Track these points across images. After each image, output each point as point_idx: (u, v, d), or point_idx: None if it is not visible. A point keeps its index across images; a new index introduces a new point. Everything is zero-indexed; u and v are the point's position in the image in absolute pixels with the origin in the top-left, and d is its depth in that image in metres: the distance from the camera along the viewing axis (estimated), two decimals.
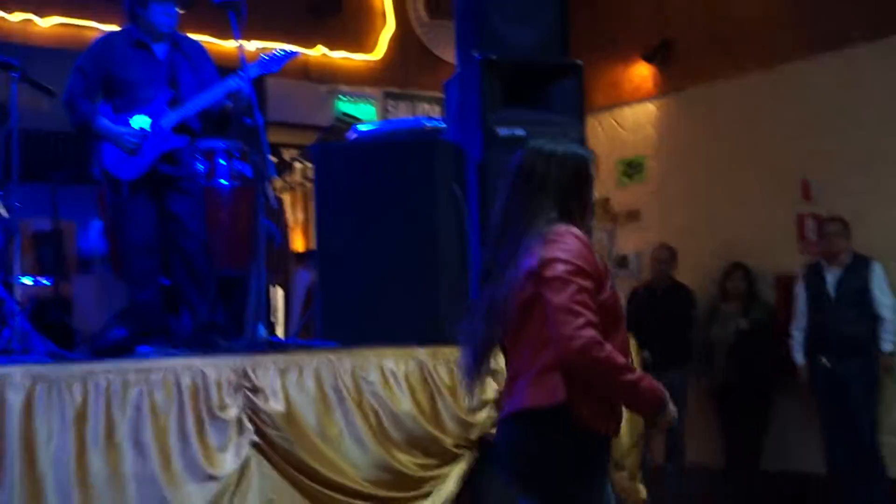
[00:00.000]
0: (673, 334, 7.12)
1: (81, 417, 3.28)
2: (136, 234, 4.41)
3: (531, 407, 2.66)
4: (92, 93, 4.48)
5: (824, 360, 6.45)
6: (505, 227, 2.78)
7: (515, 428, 2.74)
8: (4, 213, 4.58)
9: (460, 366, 2.93)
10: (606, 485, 2.75)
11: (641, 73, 8.40)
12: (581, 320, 2.52)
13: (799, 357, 6.66)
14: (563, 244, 2.63)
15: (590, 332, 2.51)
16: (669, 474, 7.04)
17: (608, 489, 2.75)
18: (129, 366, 3.49)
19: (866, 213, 6.79)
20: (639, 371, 2.64)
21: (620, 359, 2.57)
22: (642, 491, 4.47)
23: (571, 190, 2.77)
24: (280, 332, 5.67)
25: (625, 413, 2.67)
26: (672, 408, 2.65)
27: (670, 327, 7.14)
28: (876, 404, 6.50)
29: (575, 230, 2.70)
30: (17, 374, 3.23)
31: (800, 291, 6.74)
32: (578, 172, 2.81)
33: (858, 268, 6.49)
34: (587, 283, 2.58)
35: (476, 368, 2.86)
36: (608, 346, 2.53)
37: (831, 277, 6.54)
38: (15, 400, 3.17)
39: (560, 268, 2.58)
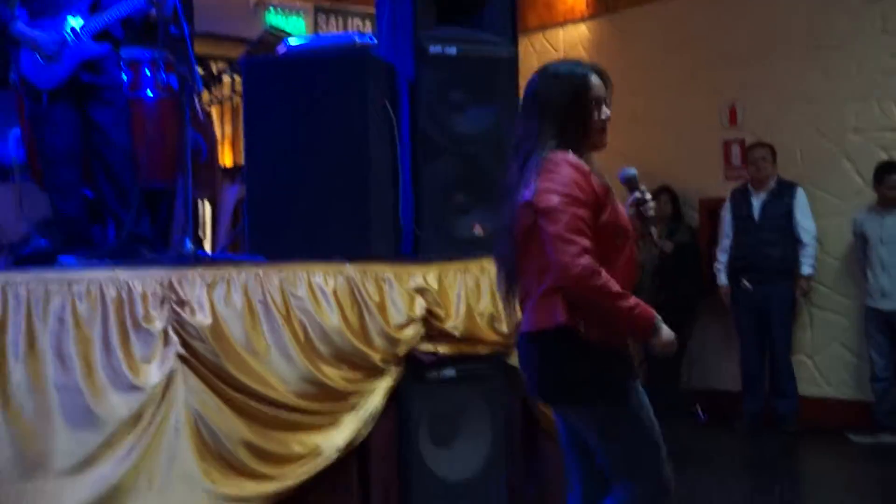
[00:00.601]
0: None
1: (1, 327, 3.23)
2: (58, 144, 4.29)
3: (536, 329, 2.81)
4: None
5: (745, 282, 6.63)
6: (515, 151, 2.87)
7: (528, 346, 2.89)
8: None
9: (498, 287, 3.02)
10: (633, 393, 2.82)
11: None
12: (575, 248, 2.63)
13: (722, 278, 6.83)
14: (557, 174, 2.71)
15: (585, 261, 2.63)
16: None
17: (638, 396, 2.83)
18: (50, 276, 3.42)
19: (792, 140, 6.92)
20: (633, 298, 2.72)
21: (615, 287, 2.67)
22: None
23: (570, 112, 2.80)
24: (207, 246, 5.61)
25: None
26: (666, 333, 2.77)
27: None
28: (792, 325, 6.71)
29: (570, 157, 2.75)
30: None
31: (725, 215, 6.88)
32: (576, 93, 2.81)
33: (783, 193, 6.64)
34: (581, 212, 2.68)
35: (510, 289, 2.96)
36: (604, 274, 2.65)
37: (756, 202, 6.68)
38: None
39: (554, 199, 2.68)
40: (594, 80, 2.84)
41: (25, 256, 4.38)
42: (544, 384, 2.86)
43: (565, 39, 8.42)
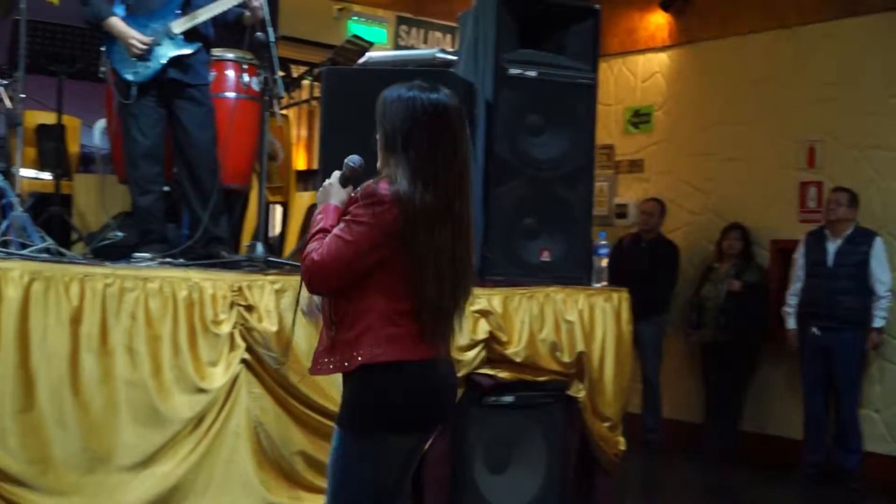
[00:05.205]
0: (650, 287, 7.09)
1: (77, 318, 3.28)
2: (141, 139, 4.34)
3: None
4: None
5: (815, 329, 6.49)
6: None
7: None
8: (8, 103, 4.52)
9: None
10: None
11: (657, 21, 8.28)
12: None
13: (791, 323, 6.68)
14: None
15: None
16: (648, 429, 7.13)
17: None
18: (127, 272, 3.47)
19: (870, 188, 6.78)
20: None
21: None
22: (622, 442, 4.51)
23: None
24: (278, 251, 5.65)
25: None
26: None
27: (649, 280, 7.13)
28: (860, 378, 6.56)
29: None
30: (17, 269, 3.21)
31: (799, 258, 6.73)
32: None
33: (860, 241, 6.49)
34: None
35: None
36: None
37: (832, 247, 6.54)
38: (13, 295, 3.16)
39: None
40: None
41: (101, 247, 4.45)
42: None
43: (644, 66, 8.36)
